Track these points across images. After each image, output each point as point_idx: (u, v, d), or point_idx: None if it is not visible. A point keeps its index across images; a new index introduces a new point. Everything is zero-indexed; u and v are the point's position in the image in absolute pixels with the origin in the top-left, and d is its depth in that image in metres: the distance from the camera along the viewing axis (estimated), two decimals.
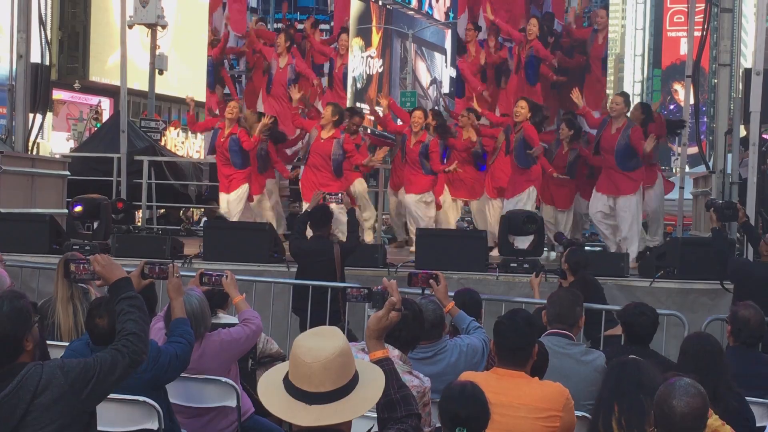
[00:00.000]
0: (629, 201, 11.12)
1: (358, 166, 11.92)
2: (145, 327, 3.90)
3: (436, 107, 37.86)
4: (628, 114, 11.35)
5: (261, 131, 11.75)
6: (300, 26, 14.05)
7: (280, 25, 14.12)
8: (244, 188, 11.96)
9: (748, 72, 11.04)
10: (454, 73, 29.24)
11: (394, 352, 4.27)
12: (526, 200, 11.51)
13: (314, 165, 11.62)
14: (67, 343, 5.60)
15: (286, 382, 3.09)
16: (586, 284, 8.21)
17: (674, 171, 46.84)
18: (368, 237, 12.39)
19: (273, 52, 13.28)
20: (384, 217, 15.46)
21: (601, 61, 13.86)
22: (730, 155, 11.86)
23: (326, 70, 13.99)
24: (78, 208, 11.05)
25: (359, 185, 12.55)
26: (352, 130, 12.46)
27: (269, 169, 12.46)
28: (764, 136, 12.59)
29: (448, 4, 52.52)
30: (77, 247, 10.22)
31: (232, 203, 11.91)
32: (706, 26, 12.60)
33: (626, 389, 4.39)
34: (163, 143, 21.10)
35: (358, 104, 38.43)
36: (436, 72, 53.33)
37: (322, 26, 14.25)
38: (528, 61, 13.31)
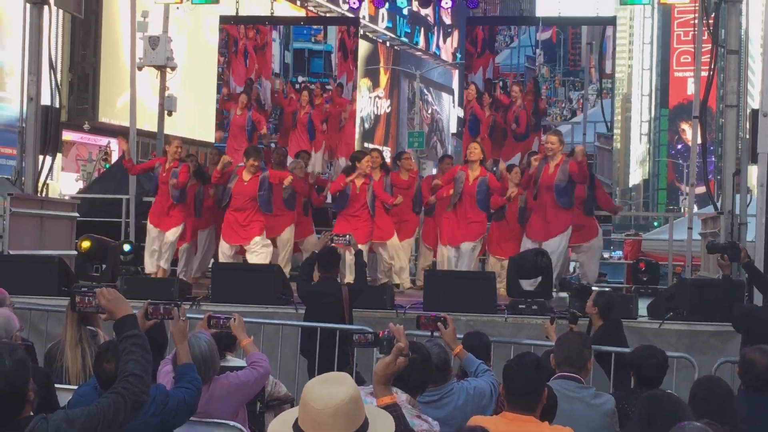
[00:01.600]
0: (557, 241, 11.40)
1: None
2: (147, 366, 3.83)
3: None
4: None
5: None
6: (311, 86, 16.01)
7: (298, 86, 15.99)
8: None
9: (755, 113, 11.05)
10: (461, 113, 29.37)
11: (402, 396, 4.25)
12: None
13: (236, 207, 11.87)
14: (74, 387, 5.59)
15: (296, 428, 3.08)
16: (619, 327, 8.18)
17: (683, 211, 46.79)
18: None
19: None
20: None
21: None
22: (738, 196, 11.85)
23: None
24: (86, 244, 11.10)
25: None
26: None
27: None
28: None
29: (455, 45, 52.84)
30: (85, 289, 10.20)
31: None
32: (713, 67, 12.65)
33: (661, 424, 4.32)
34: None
35: (366, 144, 38.59)
36: (443, 112, 53.56)
37: (328, 86, 16.04)
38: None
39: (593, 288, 9.95)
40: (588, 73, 15.35)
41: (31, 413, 3.69)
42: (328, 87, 15.93)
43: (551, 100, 15.37)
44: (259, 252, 11.76)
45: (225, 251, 11.90)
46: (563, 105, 15.35)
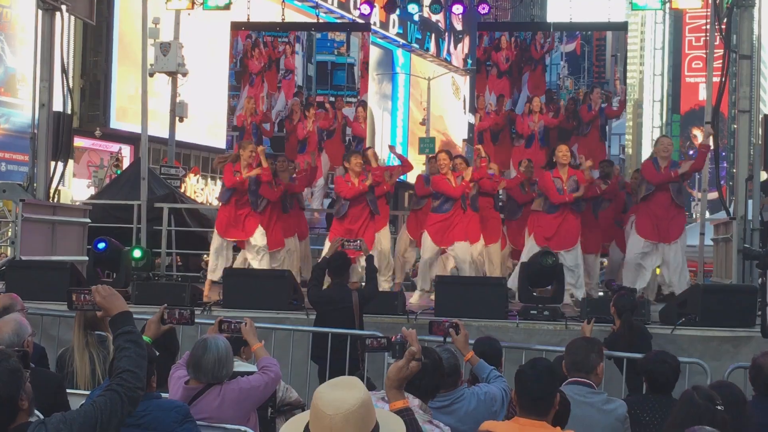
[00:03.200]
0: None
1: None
2: (141, 362, 3.81)
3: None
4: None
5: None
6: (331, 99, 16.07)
7: (321, 99, 16.01)
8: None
9: (767, 118, 11.02)
10: (472, 119, 29.33)
11: (414, 402, 4.24)
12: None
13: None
14: (84, 392, 5.59)
15: None
16: (631, 330, 8.17)
17: (695, 217, 46.66)
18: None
19: None
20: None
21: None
22: (750, 201, 11.81)
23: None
24: (101, 245, 11.12)
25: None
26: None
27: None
28: None
29: (466, 50, 52.85)
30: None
31: None
32: (725, 72, 12.61)
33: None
34: (183, 190, 21.20)
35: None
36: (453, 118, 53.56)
37: (349, 99, 16.01)
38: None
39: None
40: (613, 84, 15.28)
41: (30, 420, 3.68)
42: (349, 99, 15.93)
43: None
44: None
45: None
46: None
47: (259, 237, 11.73)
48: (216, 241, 11.86)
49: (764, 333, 9.22)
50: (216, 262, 11.83)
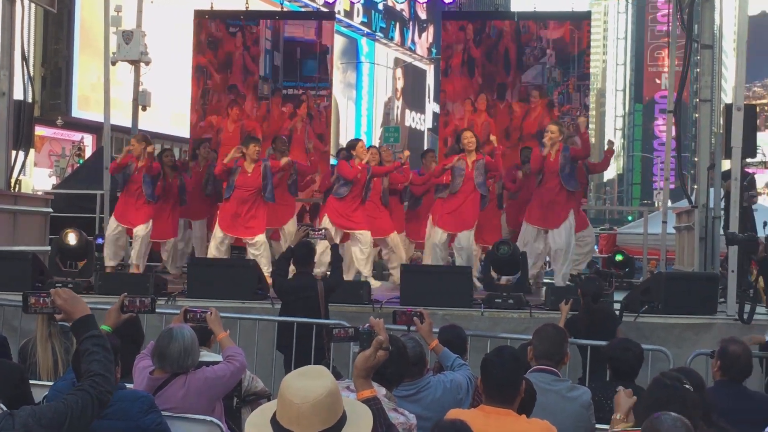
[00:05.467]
0: (564, 231, 11.40)
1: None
2: (110, 366, 3.84)
3: None
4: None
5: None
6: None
7: (290, 91, 15.43)
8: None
9: (728, 107, 11.13)
10: (437, 109, 29.37)
11: (381, 391, 4.25)
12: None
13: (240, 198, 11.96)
14: (47, 383, 5.55)
15: (274, 423, 3.07)
16: (590, 314, 8.26)
17: (657, 205, 47.05)
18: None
19: None
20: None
21: None
22: (712, 189, 11.93)
23: None
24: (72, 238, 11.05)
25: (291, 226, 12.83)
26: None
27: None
28: (746, 169, 12.71)
29: (431, 39, 52.89)
30: (60, 285, 10.13)
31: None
32: (686, 62, 12.72)
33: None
34: None
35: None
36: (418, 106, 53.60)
37: (322, 92, 15.43)
38: None
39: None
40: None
41: None
42: (321, 93, 15.45)
43: (564, 108, 14.59)
44: (262, 254, 11.92)
45: (218, 237, 12.00)
46: (577, 113, 14.33)
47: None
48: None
49: (746, 320, 9.29)
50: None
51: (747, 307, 9.57)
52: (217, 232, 12.08)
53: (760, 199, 14.96)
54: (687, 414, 3.88)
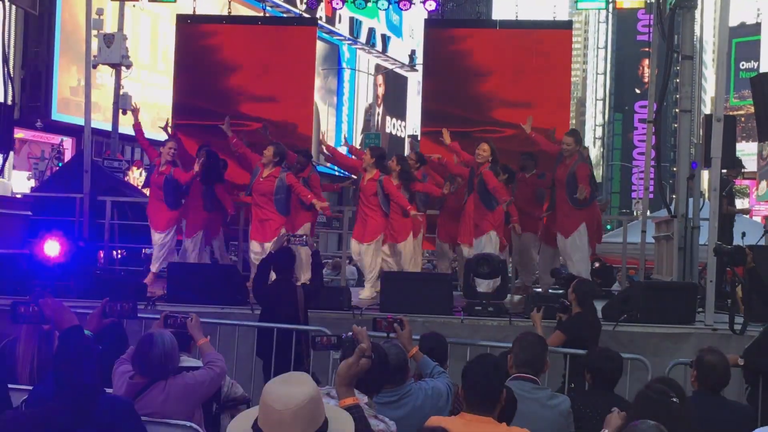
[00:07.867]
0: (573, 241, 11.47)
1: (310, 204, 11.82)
2: (95, 377, 3.83)
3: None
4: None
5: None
6: None
7: None
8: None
9: (708, 118, 11.19)
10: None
11: (363, 399, 4.25)
12: (486, 244, 11.44)
13: (256, 203, 11.76)
14: (27, 387, 5.51)
15: (255, 429, 3.07)
16: (594, 317, 8.26)
17: (636, 215, 47.23)
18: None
19: None
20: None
21: None
22: (691, 200, 11.99)
23: None
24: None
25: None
26: (297, 168, 12.58)
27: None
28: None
29: (412, 47, 52.92)
30: (40, 288, 10.07)
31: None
32: (666, 72, 12.78)
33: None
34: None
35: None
36: (399, 113, 53.65)
37: None
38: None
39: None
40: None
41: None
42: None
43: None
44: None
45: (254, 249, 11.74)
46: None
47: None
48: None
49: (739, 331, 9.28)
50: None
51: (739, 319, 9.54)
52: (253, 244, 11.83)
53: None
54: (673, 427, 3.90)
